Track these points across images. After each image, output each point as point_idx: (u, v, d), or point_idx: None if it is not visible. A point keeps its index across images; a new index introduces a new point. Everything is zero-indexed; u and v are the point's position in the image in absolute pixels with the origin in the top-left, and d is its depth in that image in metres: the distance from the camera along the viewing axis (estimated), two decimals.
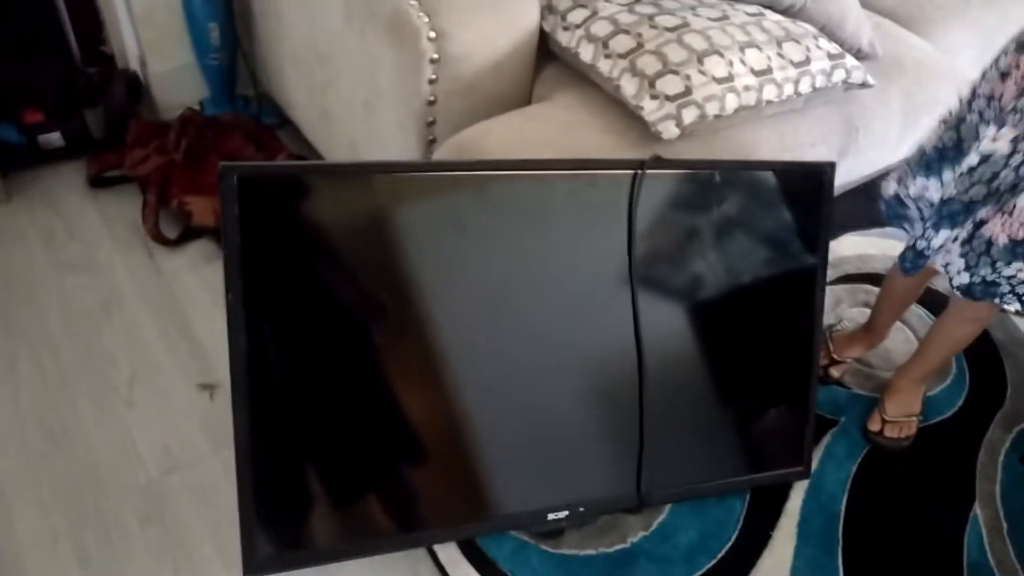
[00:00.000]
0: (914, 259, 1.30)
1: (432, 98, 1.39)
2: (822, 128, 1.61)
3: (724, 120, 1.41)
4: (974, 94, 1.19)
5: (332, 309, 1.13)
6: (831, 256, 1.45)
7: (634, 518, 1.36)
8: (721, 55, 1.39)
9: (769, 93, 1.44)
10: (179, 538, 1.29)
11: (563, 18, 1.47)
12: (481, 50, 1.39)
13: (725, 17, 1.47)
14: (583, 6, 1.47)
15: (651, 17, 1.43)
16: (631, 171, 1.21)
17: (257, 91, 2.08)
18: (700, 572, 1.31)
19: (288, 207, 1.07)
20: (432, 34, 1.31)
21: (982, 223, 1.19)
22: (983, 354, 1.73)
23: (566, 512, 1.25)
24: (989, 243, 1.19)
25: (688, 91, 1.34)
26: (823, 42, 1.54)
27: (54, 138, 1.86)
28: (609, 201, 1.22)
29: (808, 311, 1.39)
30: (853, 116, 1.66)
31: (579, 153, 1.34)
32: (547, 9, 1.49)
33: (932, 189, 1.30)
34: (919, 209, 1.34)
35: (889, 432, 1.52)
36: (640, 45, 1.38)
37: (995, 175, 1.13)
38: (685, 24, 1.42)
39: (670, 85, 1.34)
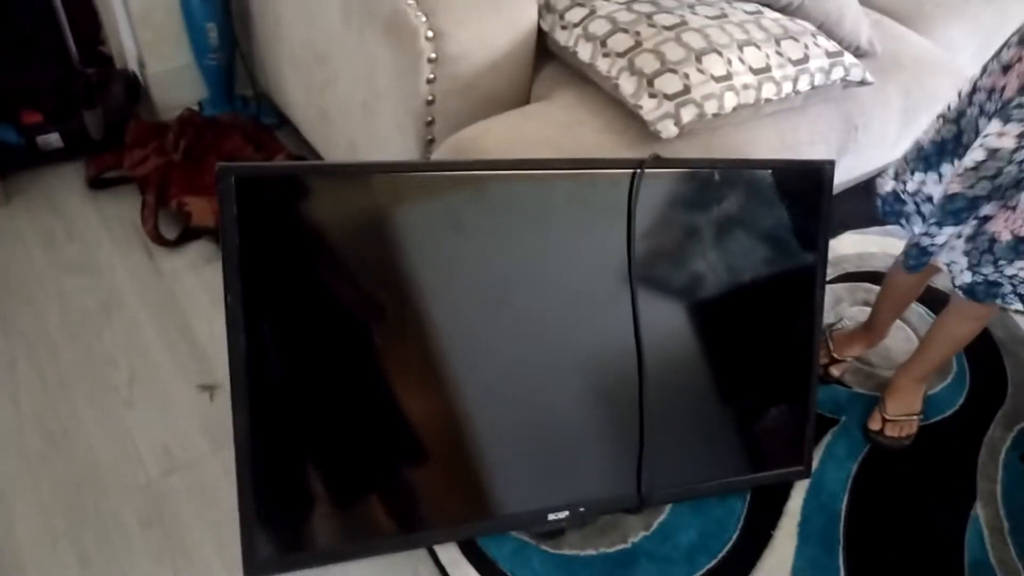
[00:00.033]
0: (918, 256, 1.30)
1: (430, 98, 1.39)
2: (821, 126, 1.61)
3: (723, 119, 1.41)
4: (975, 88, 1.19)
5: (331, 309, 1.13)
6: (831, 254, 1.45)
7: (634, 518, 1.36)
8: (719, 53, 1.38)
9: (768, 91, 1.43)
10: (179, 539, 1.29)
11: (561, 17, 1.47)
12: (479, 49, 1.39)
13: (723, 15, 1.47)
14: (581, 5, 1.46)
15: (649, 15, 1.43)
16: (630, 170, 1.21)
17: (256, 91, 2.08)
18: (701, 572, 1.31)
19: (286, 207, 1.07)
20: (430, 33, 1.31)
21: (986, 220, 1.19)
22: (984, 352, 1.73)
23: (566, 512, 1.25)
24: (992, 240, 1.19)
25: (687, 90, 1.34)
26: (821, 40, 1.54)
27: (53, 139, 1.86)
28: (608, 200, 1.21)
29: (808, 310, 1.39)
30: (852, 114, 1.65)
31: (578, 152, 1.34)
32: (545, 8, 1.49)
33: (930, 183, 1.29)
34: (916, 204, 1.34)
35: (890, 431, 1.52)
36: (638, 44, 1.38)
37: (1000, 171, 1.13)
38: (683, 22, 1.42)
39: (669, 84, 1.34)
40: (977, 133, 1.19)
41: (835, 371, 1.63)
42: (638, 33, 1.39)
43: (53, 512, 1.30)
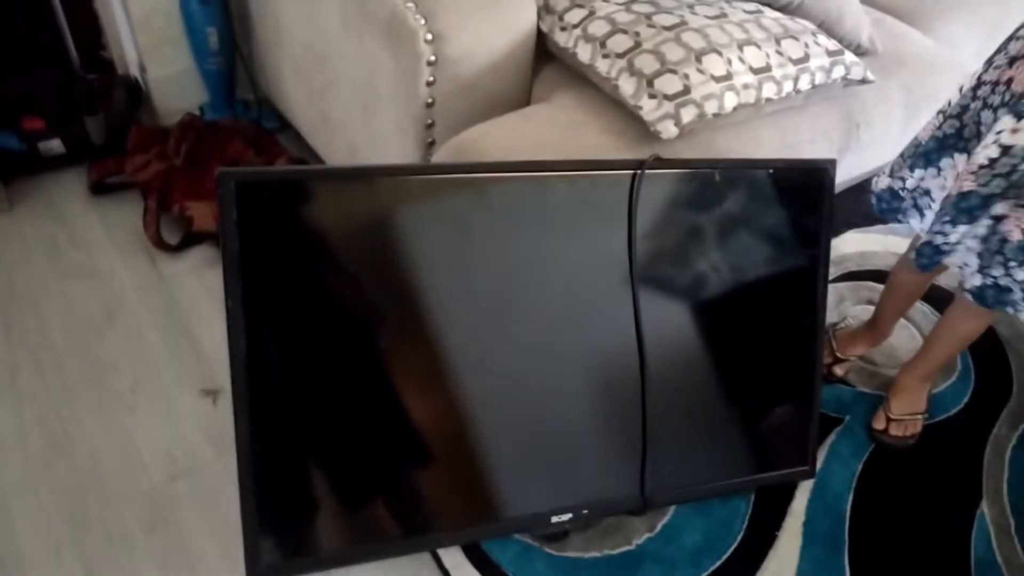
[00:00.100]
0: (931, 255, 1.28)
1: (430, 100, 1.39)
2: (822, 125, 1.60)
3: (723, 118, 1.41)
4: (979, 82, 1.18)
5: (332, 313, 1.13)
6: (833, 253, 1.44)
7: (638, 520, 1.35)
8: (719, 53, 1.38)
9: (768, 91, 1.43)
10: (183, 545, 1.29)
11: (560, 18, 1.46)
12: (479, 51, 1.38)
13: (723, 15, 1.47)
14: (580, 6, 1.46)
15: (649, 16, 1.42)
16: (630, 171, 1.20)
17: (257, 95, 2.08)
18: (705, 574, 1.31)
19: (286, 212, 1.07)
20: (429, 36, 1.31)
21: (1001, 219, 1.18)
22: (988, 350, 1.72)
23: (570, 515, 1.25)
24: (1003, 240, 1.18)
25: (687, 90, 1.33)
26: (822, 39, 1.53)
27: (55, 145, 1.86)
28: (609, 202, 1.21)
29: (811, 309, 1.38)
30: (853, 112, 1.65)
31: (578, 154, 1.34)
32: (544, 9, 1.49)
33: (928, 179, 1.29)
34: (914, 199, 1.33)
35: (894, 430, 1.51)
36: (638, 44, 1.38)
37: (1014, 168, 1.11)
38: (683, 22, 1.41)
39: (668, 84, 1.33)
40: (979, 126, 1.19)
41: (839, 370, 1.63)
42: (637, 34, 1.39)
43: (56, 518, 1.30)
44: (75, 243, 1.78)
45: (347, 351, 1.13)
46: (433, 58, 1.33)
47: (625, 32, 1.40)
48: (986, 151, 1.13)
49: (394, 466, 1.19)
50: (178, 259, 1.76)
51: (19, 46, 1.82)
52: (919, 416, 1.53)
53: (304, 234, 1.08)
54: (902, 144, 1.36)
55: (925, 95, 1.75)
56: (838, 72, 1.52)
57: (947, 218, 1.22)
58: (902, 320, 1.69)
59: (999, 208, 1.17)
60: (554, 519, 1.24)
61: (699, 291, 1.30)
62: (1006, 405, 1.63)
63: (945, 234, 1.24)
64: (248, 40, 2.00)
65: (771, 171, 1.31)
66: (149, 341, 1.59)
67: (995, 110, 1.15)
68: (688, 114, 1.33)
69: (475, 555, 1.29)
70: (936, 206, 1.32)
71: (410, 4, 1.31)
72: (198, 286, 1.70)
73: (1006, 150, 1.11)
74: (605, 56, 1.39)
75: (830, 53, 1.51)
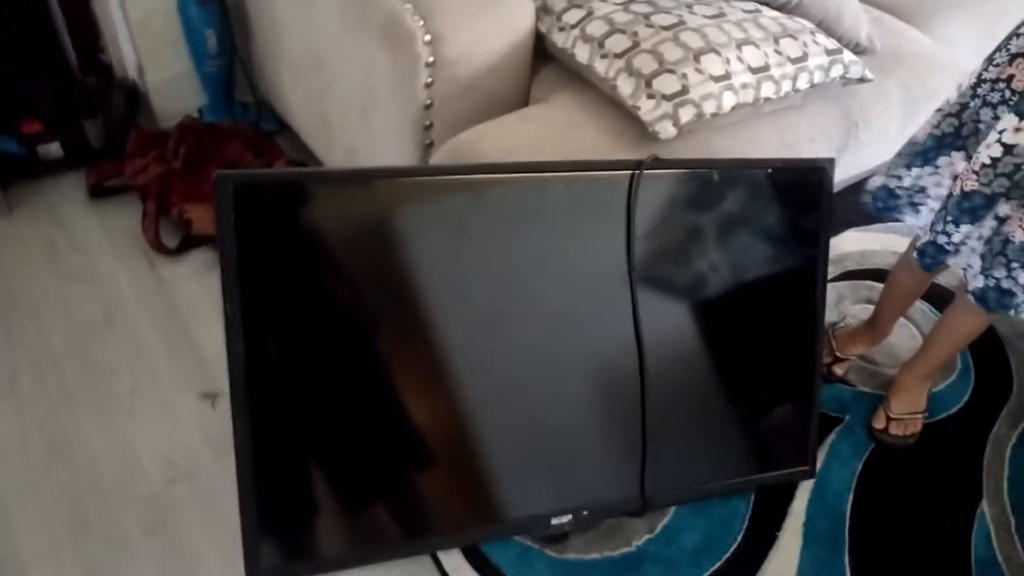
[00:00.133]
0: (935, 254, 1.28)
1: (429, 102, 1.39)
2: (821, 124, 1.60)
3: (722, 118, 1.41)
4: (979, 80, 1.18)
5: (331, 316, 1.13)
6: (833, 252, 1.44)
7: (638, 521, 1.35)
8: (718, 53, 1.38)
9: (767, 90, 1.43)
10: (183, 549, 1.28)
11: (558, 19, 1.46)
12: (477, 53, 1.38)
13: (721, 14, 1.47)
14: (578, 6, 1.46)
15: (647, 16, 1.42)
16: (629, 172, 1.20)
17: (255, 97, 2.08)
18: (706, 574, 1.30)
19: (284, 214, 1.07)
20: (427, 37, 1.31)
21: (1004, 220, 1.17)
22: (988, 349, 1.72)
23: (570, 516, 1.25)
24: (1006, 241, 1.17)
25: (685, 90, 1.33)
26: (820, 38, 1.53)
27: (53, 148, 1.86)
28: (607, 202, 1.21)
29: (810, 308, 1.38)
30: (852, 111, 1.65)
31: (577, 154, 1.34)
32: (542, 10, 1.49)
33: (925, 176, 1.29)
34: (910, 197, 1.33)
35: (894, 430, 1.51)
36: (636, 44, 1.38)
37: (1017, 167, 1.11)
38: (681, 22, 1.41)
39: (667, 84, 1.33)
40: (977, 124, 1.19)
41: (838, 370, 1.63)
42: (636, 34, 1.39)
43: (56, 522, 1.30)
44: (74, 247, 1.78)
45: (346, 353, 1.13)
46: (431, 59, 1.33)
47: (623, 32, 1.40)
48: (988, 150, 1.13)
49: (393, 468, 1.19)
50: (177, 262, 1.76)
51: (17, 49, 1.82)
52: (919, 415, 1.53)
53: (303, 237, 1.08)
54: (901, 142, 1.36)
55: (924, 93, 1.75)
56: (837, 71, 1.52)
57: (950, 218, 1.22)
58: (902, 319, 1.69)
59: (1003, 209, 1.16)
60: (554, 521, 1.24)
61: (698, 291, 1.30)
62: (1006, 404, 1.63)
63: (948, 234, 1.24)
64: (247, 42, 2.00)
65: (770, 171, 1.30)
66: (148, 344, 1.59)
67: (994, 108, 1.15)
68: (686, 114, 1.33)
69: (475, 557, 1.29)
70: (932, 203, 1.32)
71: (408, 5, 1.31)
72: (197, 289, 1.70)
73: (1008, 149, 1.10)
74: (603, 56, 1.39)
75: (828, 52, 1.51)
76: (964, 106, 1.21)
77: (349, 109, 1.60)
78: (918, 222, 1.35)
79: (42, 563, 1.26)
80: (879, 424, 1.52)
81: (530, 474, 1.24)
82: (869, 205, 1.40)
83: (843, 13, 1.64)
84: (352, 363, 1.14)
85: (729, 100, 1.38)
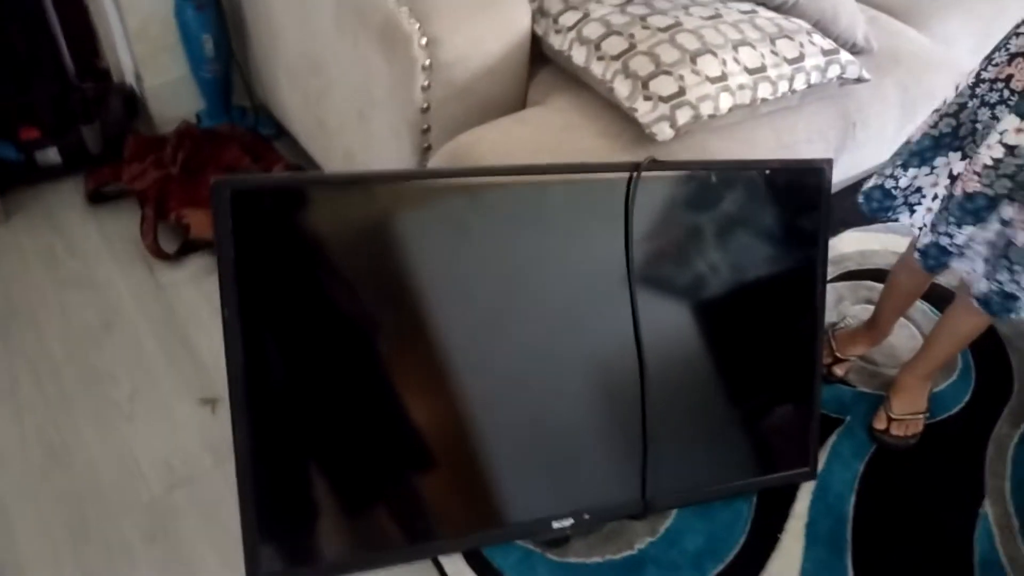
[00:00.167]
0: (938, 256, 1.28)
1: (425, 105, 1.38)
2: (819, 124, 1.60)
3: (719, 119, 1.41)
4: (978, 80, 1.17)
5: (330, 320, 1.13)
6: (832, 253, 1.44)
7: (640, 524, 1.35)
8: (714, 54, 1.38)
9: (764, 91, 1.43)
10: (183, 554, 1.28)
11: (555, 21, 1.46)
12: (473, 55, 1.38)
13: (718, 15, 1.46)
14: (575, 8, 1.46)
15: (643, 18, 1.42)
16: (626, 174, 1.20)
17: (253, 102, 2.08)
18: None
19: (282, 219, 1.07)
20: (424, 40, 1.31)
21: (1008, 223, 1.17)
22: (989, 348, 1.72)
23: (571, 519, 1.25)
24: (1009, 244, 1.17)
25: (682, 91, 1.33)
26: (817, 38, 1.53)
27: (51, 154, 1.86)
28: (605, 204, 1.21)
29: (810, 309, 1.38)
30: (850, 111, 1.65)
31: (574, 157, 1.34)
32: (539, 12, 1.48)
33: (921, 177, 1.29)
34: (905, 197, 1.33)
35: (895, 430, 1.51)
36: (633, 46, 1.38)
37: (1020, 168, 1.11)
38: (677, 24, 1.41)
39: (663, 86, 1.33)
40: (975, 124, 1.18)
41: (839, 370, 1.62)
42: (632, 36, 1.39)
43: (55, 528, 1.30)
44: (72, 252, 1.78)
45: (345, 357, 1.13)
46: (428, 63, 1.33)
47: (620, 34, 1.39)
48: (990, 151, 1.12)
49: (394, 472, 1.19)
50: (176, 267, 1.76)
51: (14, 55, 1.82)
52: (920, 415, 1.53)
53: (301, 241, 1.08)
54: (898, 143, 1.36)
55: (921, 93, 1.75)
56: (833, 71, 1.52)
57: (953, 219, 1.21)
58: (902, 319, 1.69)
59: (1007, 212, 1.16)
60: (555, 524, 1.24)
61: (697, 292, 1.30)
62: (1007, 403, 1.62)
63: (951, 235, 1.23)
64: (244, 47, 2.00)
65: (767, 171, 1.30)
66: (147, 350, 1.59)
67: (992, 107, 1.14)
68: (683, 116, 1.33)
69: (476, 562, 1.29)
70: (927, 203, 1.32)
71: (404, 8, 1.31)
72: (196, 294, 1.70)
73: (1011, 150, 1.10)
74: (600, 58, 1.39)
75: (825, 52, 1.51)
76: (962, 106, 1.21)
77: (346, 113, 1.59)
78: (912, 221, 1.35)
79: (42, 569, 1.25)
80: (880, 425, 1.52)
81: (531, 477, 1.23)
82: (862, 205, 1.40)
83: (839, 13, 1.64)
84: (351, 367, 1.13)
85: (726, 101, 1.37)
